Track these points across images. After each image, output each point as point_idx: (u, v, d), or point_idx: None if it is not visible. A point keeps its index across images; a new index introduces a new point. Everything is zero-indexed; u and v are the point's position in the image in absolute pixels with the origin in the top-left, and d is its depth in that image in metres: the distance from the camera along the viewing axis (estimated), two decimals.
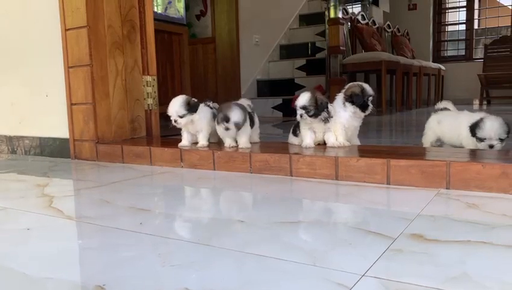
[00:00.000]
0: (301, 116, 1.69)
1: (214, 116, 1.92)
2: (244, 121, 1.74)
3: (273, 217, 1.11)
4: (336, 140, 1.73)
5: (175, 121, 1.84)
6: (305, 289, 0.70)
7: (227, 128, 1.72)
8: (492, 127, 1.60)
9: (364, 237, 0.93)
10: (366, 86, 1.78)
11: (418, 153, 1.55)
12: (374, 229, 0.97)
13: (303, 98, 1.69)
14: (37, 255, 0.90)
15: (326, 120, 1.70)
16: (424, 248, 0.85)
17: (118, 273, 0.79)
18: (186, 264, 0.82)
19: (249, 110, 1.86)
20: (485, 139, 1.61)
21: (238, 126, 1.73)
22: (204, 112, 1.90)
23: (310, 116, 1.68)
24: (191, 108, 1.84)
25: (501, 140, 1.60)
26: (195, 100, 1.88)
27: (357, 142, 1.87)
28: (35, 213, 1.22)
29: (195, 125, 1.89)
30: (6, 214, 1.23)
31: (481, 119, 1.63)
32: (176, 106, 1.83)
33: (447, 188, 1.32)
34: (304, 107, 1.68)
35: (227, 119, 1.71)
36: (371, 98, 1.76)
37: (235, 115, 1.71)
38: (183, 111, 1.82)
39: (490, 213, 1.08)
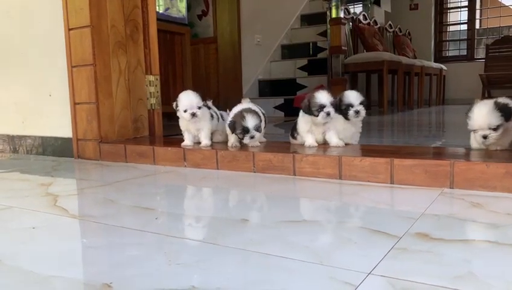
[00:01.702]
0: (329, 114, 1.64)
1: (212, 116, 1.93)
2: (261, 121, 1.73)
3: (277, 216, 1.11)
4: (339, 140, 1.73)
5: (193, 114, 1.81)
6: (311, 288, 0.70)
7: (252, 137, 1.70)
8: (479, 114, 1.40)
9: (369, 236, 0.94)
10: (350, 95, 1.72)
11: (421, 152, 1.55)
12: (379, 228, 0.97)
13: (326, 96, 1.65)
14: (43, 254, 0.91)
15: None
16: (429, 247, 0.85)
17: (125, 271, 0.80)
18: (192, 263, 0.82)
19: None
20: (475, 130, 1.43)
21: (259, 129, 1.72)
22: (204, 110, 1.90)
23: (335, 111, 1.65)
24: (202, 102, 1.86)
25: (494, 129, 1.39)
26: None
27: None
28: (40, 212, 1.22)
29: (196, 123, 1.90)
30: (12, 213, 1.23)
31: (470, 107, 1.44)
32: (194, 98, 1.83)
33: (450, 188, 1.32)
34: (332, 104, 1.64)
35: (247, 130, 1.69)
36: (354, 107, 1.69)
37: (251, 121, 1.69)
38: (201, 102, 1.83)
39: (495, 212, 1.08)
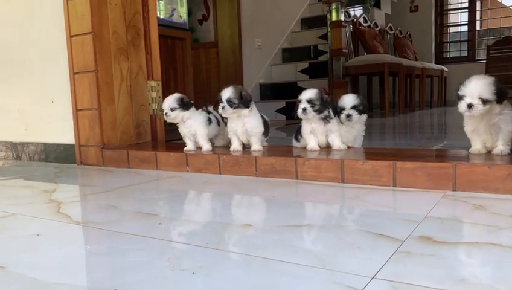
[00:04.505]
0: (305, 110, 1.66)
1: (210, 121, 1.94)
2: (238, 99, 1.74)
3: (280, 220, 1.11)
4: (341, 143, 1.73)
5: (166, 114, 1.89)
6: None
7: (223, 108, 1.74)
8: (475, 84, 1.35)
9: (373, 239, 0.94)
10: (344, 99, 1.72)
11: (423, 155, 1.55)
12: (382, 232, 0.97)
13: (309, 92, 1.68)
14: (47, 261, 0.91)
15: (326, 120, 1.70)
16: (432, 250, 0.85)
17: (128, 278, 0.80)
18: (196, 269, 0.82)
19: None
20: (464, 96, 1.36)
21: (231, 103, 1.73)
22: (198, 114, 1.93)
23: (315, 111, 1.66)
24: (184, 105, 1.89)
25: (483, 101, 1.33)
26: (190, 100, 1.93)
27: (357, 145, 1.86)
28: (43, 219, 1.23)
29: (187, 125, 1.91)
30: (16, 221, 1.24)
31: (469, 77, 1.39)
32: (170, 100, 1.89)
33: (453, 190, 1.32)
34: (309, 101, 1.65)
35: (220, 100, 1.74)
36: (346, 111, 1.70)
37: (226, 93, 1.74)
38: (174, 105, 1.87)
39: (497, 214, 1.08)
